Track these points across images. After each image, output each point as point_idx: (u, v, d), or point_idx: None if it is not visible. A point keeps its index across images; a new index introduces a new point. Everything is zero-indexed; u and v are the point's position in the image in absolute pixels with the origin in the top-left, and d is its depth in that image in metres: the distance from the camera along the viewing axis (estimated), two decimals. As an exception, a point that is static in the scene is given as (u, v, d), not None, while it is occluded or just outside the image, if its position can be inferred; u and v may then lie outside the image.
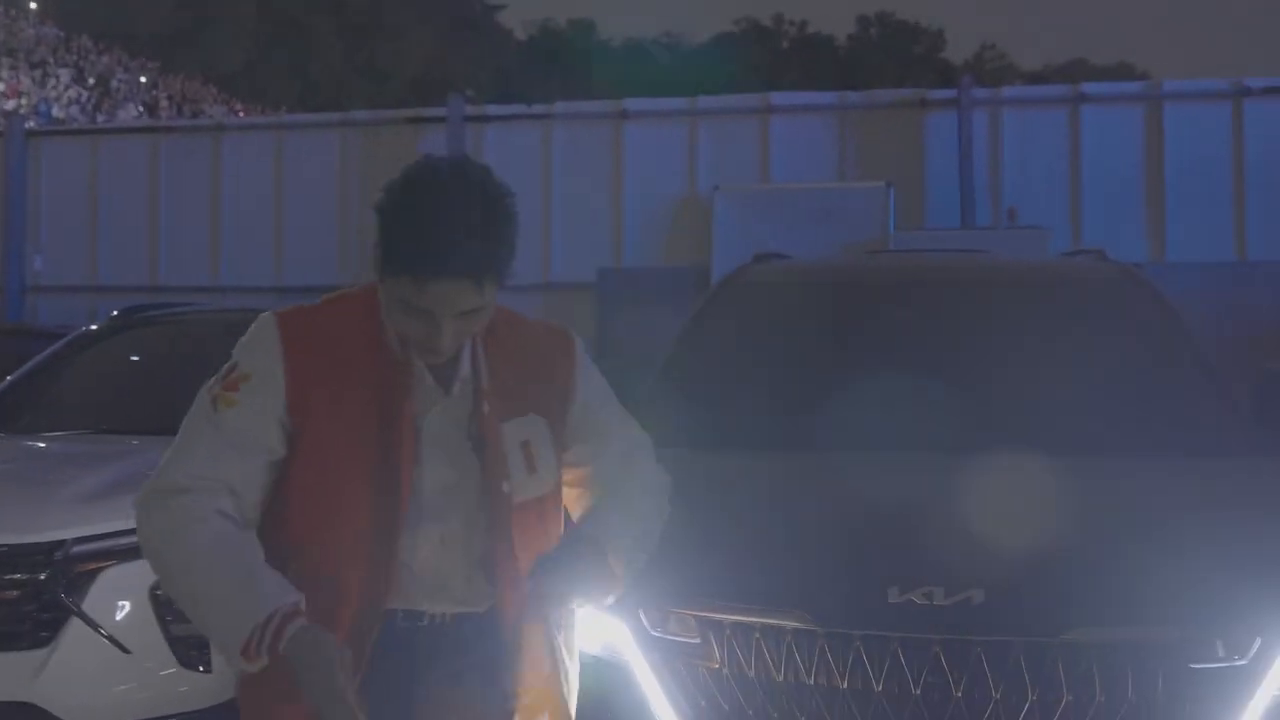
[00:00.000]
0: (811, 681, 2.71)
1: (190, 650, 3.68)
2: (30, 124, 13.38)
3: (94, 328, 6.57)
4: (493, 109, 10.34)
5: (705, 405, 3.84)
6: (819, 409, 3.75)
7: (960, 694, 2.64)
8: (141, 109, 27.92)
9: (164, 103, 29.80)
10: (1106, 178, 9.64)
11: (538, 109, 10.26)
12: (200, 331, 6.67)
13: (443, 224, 1.83)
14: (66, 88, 27.87)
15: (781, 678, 2.73)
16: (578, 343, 2.23)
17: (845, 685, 2.68)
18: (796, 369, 4.03)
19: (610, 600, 2.14)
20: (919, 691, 2.65)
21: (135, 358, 6.33)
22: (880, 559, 2.88)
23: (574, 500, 2.24)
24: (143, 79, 31.28)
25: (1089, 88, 10.44)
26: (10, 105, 24.89)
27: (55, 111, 25.44)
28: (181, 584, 1.91)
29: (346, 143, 10.29)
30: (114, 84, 29.95)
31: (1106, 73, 64.28)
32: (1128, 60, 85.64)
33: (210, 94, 32.16)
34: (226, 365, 2.00)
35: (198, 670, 3.66)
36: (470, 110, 10.13)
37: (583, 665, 2.76)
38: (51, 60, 28.73)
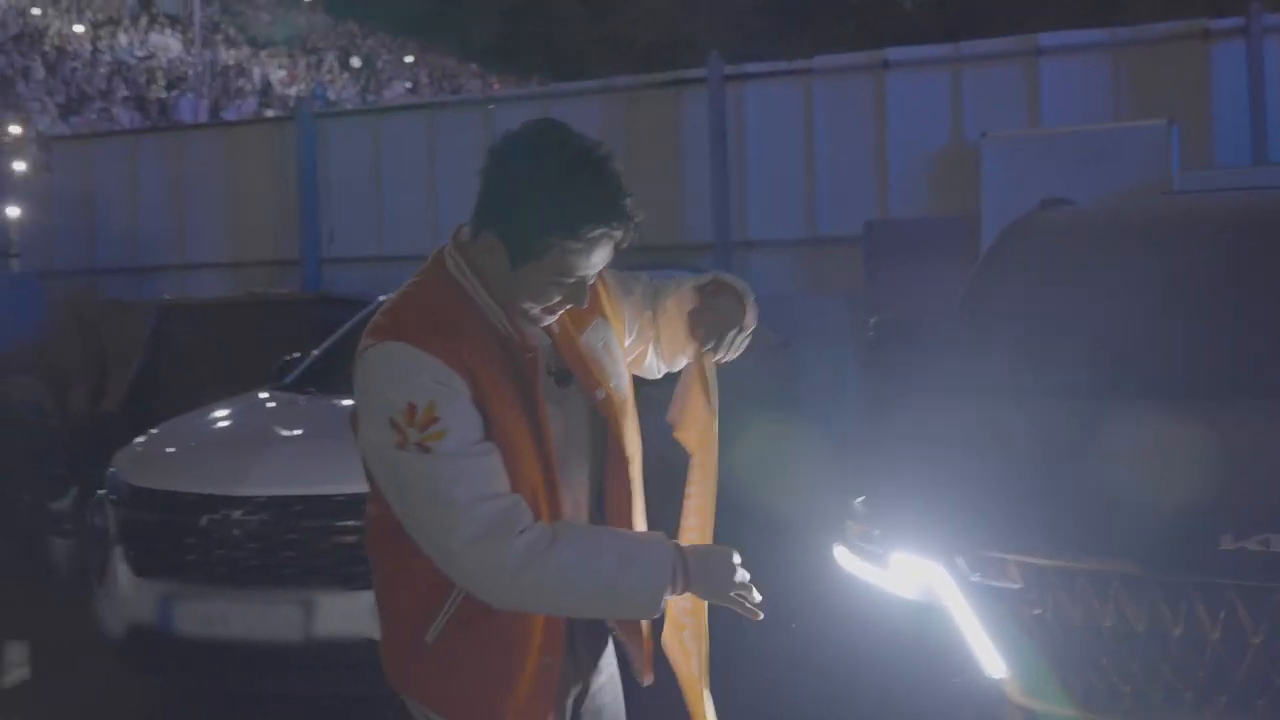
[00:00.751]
0: (1141, 629, 2.68)
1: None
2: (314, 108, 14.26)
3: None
4: (751, 67, 10.35)
5: (1006, 354, 3.81)
6: (1124, 355, 3.66)
7: (1304, 645, 2.56)
8: (410, 85, 29.34)
9: (425, 80, 31.24)
10: None
11: (797, 64, 10.22)
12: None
13: (609, 183, 1.89)
14: (341, 71, 29.61)
15: (1109, 624, 2.71)
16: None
17: (1178, 633, 2.64)
18: (1095, 315, 3.94)
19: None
20: (1259, 640, 2.58)
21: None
22: (1208, 506, 2.79)
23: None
24: (407, 58, 32.81)
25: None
26: (291, 91, 26.59)
27: (330, 94, 27.10)
28: (589, 596, 1.94)
29: (608, 109, 10.53)
30: (379, 65, 31.60)
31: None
32: None
33: (467, 69, 33.46)
34: (399, 413, 1.88)
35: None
36: (729, 70, 10.18)
37: (901, 609, 2.82)
38: (323, 46, 30.57)
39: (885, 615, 3.05)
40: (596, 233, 1.89)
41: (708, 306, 2.22)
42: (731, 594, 1.99)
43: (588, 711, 2.20)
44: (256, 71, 27.13)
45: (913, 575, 2.98)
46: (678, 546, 2.00)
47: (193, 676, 4.91)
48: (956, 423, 3.53)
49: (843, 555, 3.23)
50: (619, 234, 1.92)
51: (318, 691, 4.63)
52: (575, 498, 2.08)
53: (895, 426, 3.95)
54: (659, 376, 2.41)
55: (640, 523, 2.17)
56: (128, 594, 4.79)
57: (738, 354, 2.25)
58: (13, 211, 13.89)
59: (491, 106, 11.02)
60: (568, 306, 2.00)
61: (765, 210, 9.95)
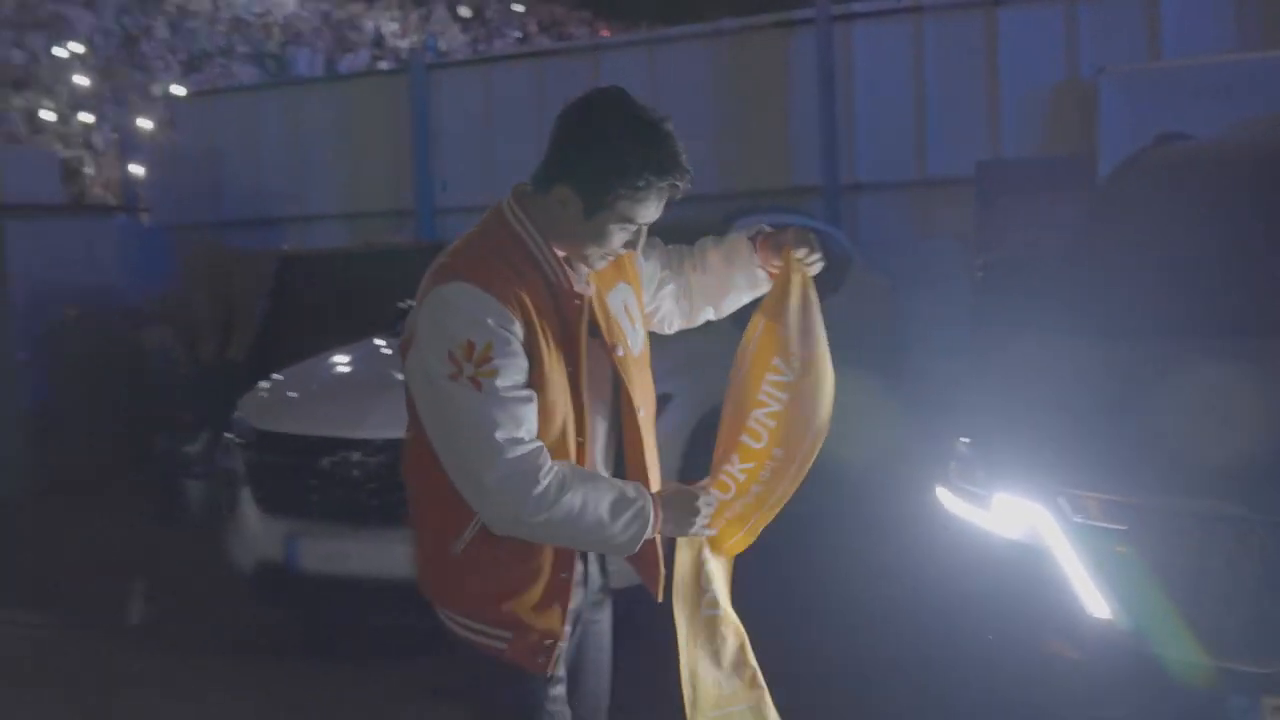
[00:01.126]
0: (1247, 571, 2.65)
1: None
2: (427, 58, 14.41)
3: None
4: (859, 6, 10.16)
5: (1119, 293, 3.75)
6: (1236, 294, 3.58)
7: None
8: (519, 34, 29.45)
9: (535, 29, 31.30)
10: None
11: (905, 2, 10.01)
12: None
13: (668, 141, 2.16)
14: (451, 22, 29.85)
15: (1215, 565, 2.69)
16: None
17: (1286, 574, 2.61)
18: (1213, 255, 3.84)
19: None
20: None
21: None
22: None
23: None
24: (516, 7, 32.93)
25: None
26: (404, 43, 26.90)
27: (441, 45, 27.36)
28: (582, 537, 2.22)
29: (715, 53, 10.47)
30: (489, 14, 31.75)
31: None
32: None
33: (576, 17, 33.45)
34: (459, 347, 2.11)
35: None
36: (837, 10, 10.02)
37: (1003, 549, 2.83)
38: (432, -3, 30.83)
39: (987, 556, 3.07)
40: (660, 184, 2.15)
41: (779, 229, 2.51)
42: (692, 530, 2.36)
43: (589, 627, 2.44)
44: (369, 24, 27.53)
45: (1015, 516, 2.99)
46: (654, 497, 2.27)
47: (315, 610, 5.13)
48: (1064, 363, 3.51)
49: (945, 496, 3.25)
50: (678, 186, 2.19)
51: (431, 625, 4.80)
52: (597, 440, 2.34)
53: (1002, 367, 3.92)
54: (671, 332, 2.69)
55: (653, 464, 2.41)
56: (255, 532, 5.02)
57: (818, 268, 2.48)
58: (140, 169, 14.35)
59: (598, 54, 11.03)
60: (625, 252, 2.27)
61: (874, 152, 9.82)
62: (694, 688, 2.44)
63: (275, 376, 5.54)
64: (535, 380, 2.17)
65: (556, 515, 2.13)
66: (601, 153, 2.14)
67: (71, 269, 9.13)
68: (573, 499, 2.14)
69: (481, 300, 2.12)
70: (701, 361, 5.37)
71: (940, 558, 3.24)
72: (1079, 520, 2.86)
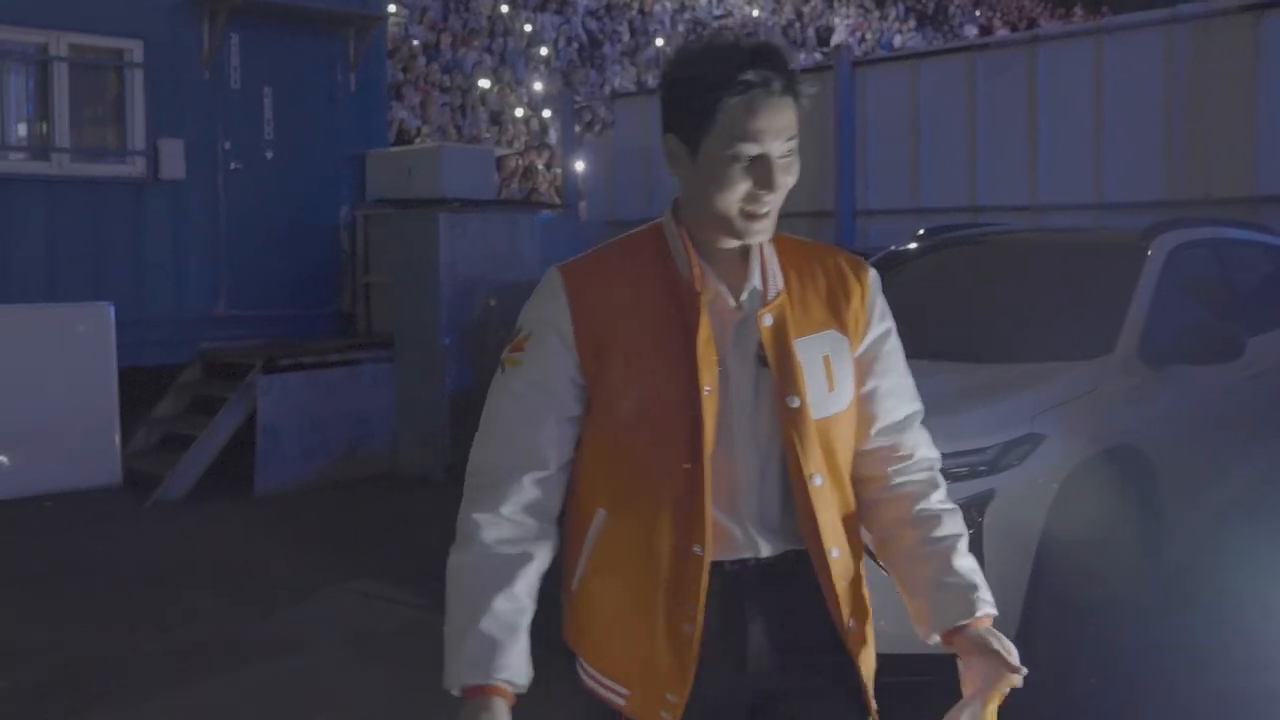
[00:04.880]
0: None
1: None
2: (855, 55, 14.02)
3: (900, 248, 6.64)
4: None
5: None
6: None
7: None
8: (977, 30, 28.22)
9: (998, 22, 29.84)
10: None
11: None
12: (1003, 252, 6.46)
13: (745, 41, 1.85)
14: (906, 17, 29.11)
15: None
16: (872, 271, 2.06)
17: None
18: None
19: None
20: None
21: (938, 278, 6.28)
22: None
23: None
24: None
25: None
26: (854, 39, 26.56)
27: (896, 41, 26.74)
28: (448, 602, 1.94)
29: (1173, 41, 9.30)
30: (951, 9, 30.64)
31: None
32: None
33: (1043, 7, 31.59)
34: (516, 328, 1.98)
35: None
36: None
37: None
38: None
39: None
40: (745, 77, 1.81)
41: (977, 659, 1.92)
42: None
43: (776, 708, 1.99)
44: (833, 23, 27.33)
45: None
46: (472, 689, 1.85)
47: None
48: None
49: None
50: (773, 82, 1.82)
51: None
52: (737, 478, 1.92)
53: None
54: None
55: (834, 540, 1.96)
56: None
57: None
58: (582, 165, 15.01)
59: (1036, 45, 10.15)
60: (766, 201, 1.86)
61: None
62: None
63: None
64: (613, 383, 1.90)
65: (450, 569, 1.93)
66: (681, 75, 1.88)
67: (496, 262, 9.60)
68: (465, 575, 1.91)
69: (550, 287, 1.96)
70: (1078, 399, 4.67)
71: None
72: None
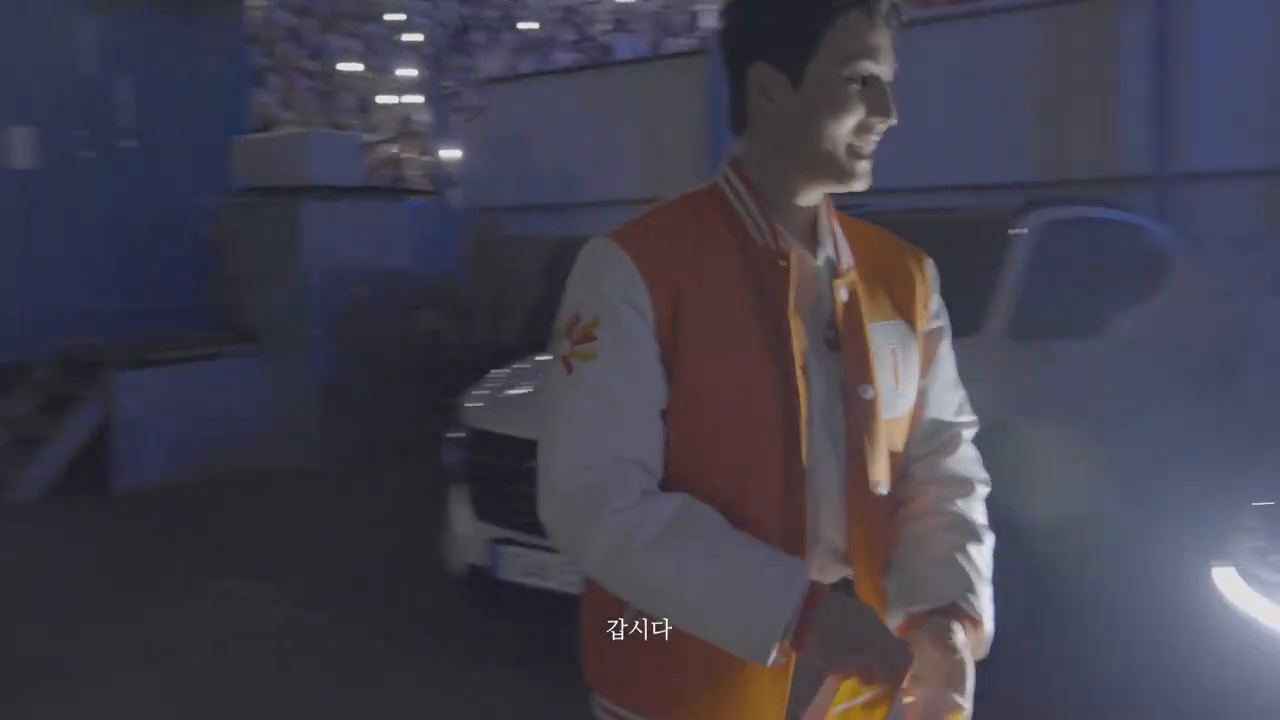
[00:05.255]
0: None
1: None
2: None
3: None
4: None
5: None
6: None
7: None
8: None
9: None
10: None
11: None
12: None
13: None
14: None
15: None
16: (931, 262, 1.85)
17: None
18: None
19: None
20: None
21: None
22: None
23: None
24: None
25: None
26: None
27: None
28: (680, 622, 1.55)
29: (1038, 27, 9.49)
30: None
31: None
32: None
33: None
34: (565, 319, 1.62)
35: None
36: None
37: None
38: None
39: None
40: (841, 23, 1.57)
41: (937, 626, 1.60)
42: (850, 668, 1.46)
43: None
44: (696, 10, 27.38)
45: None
46: (810, 593, 1.48)
47: (514, 621, 4.89)
48: None
49: (1226, 579, 2.48)
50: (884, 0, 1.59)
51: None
52: (824, 482, 1.62)
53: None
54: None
55: (883, 569, 1.68)
56: (466, 534, 4.79)
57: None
58: (454, 152, 14.79)
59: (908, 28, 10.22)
60: (876, 135, 1.63)
61: (1217, 137, 8.58)
62: None
63: (501, 371, 5.29)
64: (697, 366, 1.58)
65: (635, 577, 1.53)
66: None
67: (365, 250, 9.37)
68: (660, 561, 1.50)
69: (607, 260, 1.60)
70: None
71: (1216, 662, 2.48)
72: None
